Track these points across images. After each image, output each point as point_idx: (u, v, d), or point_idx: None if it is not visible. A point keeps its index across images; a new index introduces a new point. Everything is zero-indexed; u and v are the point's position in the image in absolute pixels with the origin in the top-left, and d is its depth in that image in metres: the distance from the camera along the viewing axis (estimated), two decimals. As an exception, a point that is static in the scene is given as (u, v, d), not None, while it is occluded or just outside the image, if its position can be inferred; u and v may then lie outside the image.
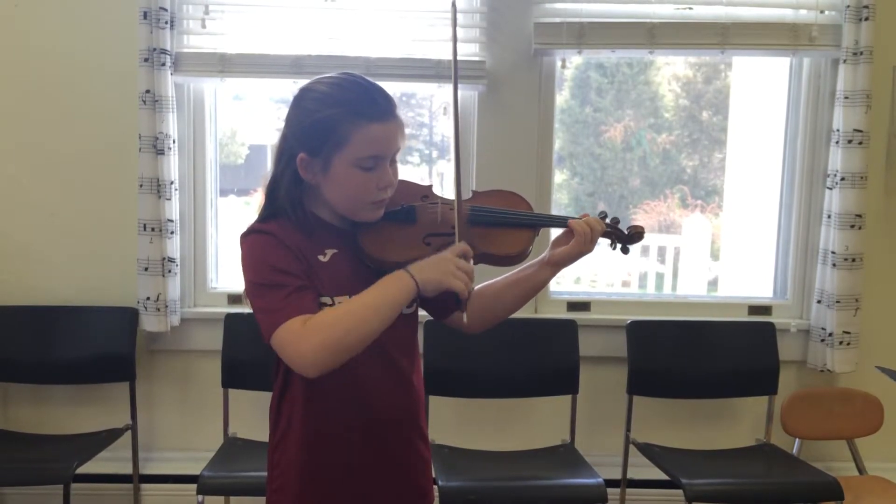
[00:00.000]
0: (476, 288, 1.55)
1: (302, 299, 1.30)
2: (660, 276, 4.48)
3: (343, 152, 1.32)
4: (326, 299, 1.35)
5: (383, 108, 1.34)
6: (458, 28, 2.75)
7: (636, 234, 1.53)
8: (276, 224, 1.36)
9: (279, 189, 1.37)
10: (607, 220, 1.51)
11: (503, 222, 1.46)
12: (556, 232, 1.55)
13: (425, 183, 1.51)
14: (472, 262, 1.34)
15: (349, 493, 1.42)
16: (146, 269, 2.67)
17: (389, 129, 1.34)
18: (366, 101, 1.33)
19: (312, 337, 1.25)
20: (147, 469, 2.84)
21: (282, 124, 1.40)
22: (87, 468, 2.49)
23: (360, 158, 1.32)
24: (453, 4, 1.55)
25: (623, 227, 1.54)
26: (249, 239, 1.36)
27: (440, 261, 1.30)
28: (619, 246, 1.53)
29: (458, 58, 2.74)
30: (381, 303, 1.28)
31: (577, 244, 1.45)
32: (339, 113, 1.31)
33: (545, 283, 1.51)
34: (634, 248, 1.56)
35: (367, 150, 1.32)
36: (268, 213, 1.39)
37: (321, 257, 1.36)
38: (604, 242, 1.54)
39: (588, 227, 1.44)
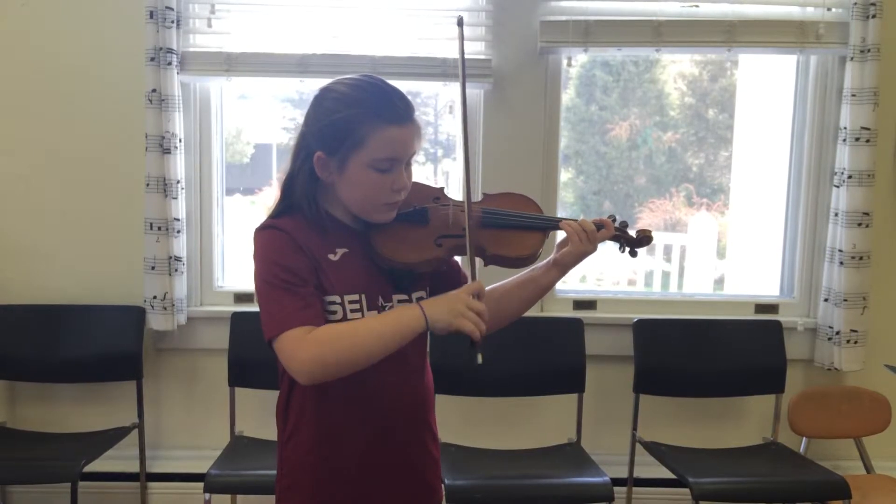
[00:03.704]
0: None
1: (307, 308, 1.31)
2: (666, 275, 4.47)
3: (360, 153, 1.33)
4: (335, 297, 1.36)
5: (402, 111, 1.35)
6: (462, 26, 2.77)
7: (644, 238, 1.56)
8: (290, 220, 1.37)
9: (295, 185, 1.39)
10: (616, 224, 1.53)
11: (514, 224, 1.48)
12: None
13: (435, 184, 1.53)
14: (483, 301, 1.33)
15: (359, 491, 1.42)
16: (153, 267, 2.67)
17: (406, 133, 1.36)
18: (385, 103, 1.34)
19: (312, 348, 1.28)
20: (154, 467, 2.84)
21: (291, 123, 1.42)
22: (95, 466, 2.50)
23: (376, 160, 1.34)
24: (460, 24, 1.48)
25: (631, 230, 1.55)
26: (264, 234, 1.37)
27: (453, 300, 1.30)
28: (627, 249, 1.56)
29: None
30: (387, 332, 1.30)
31: (573, 245, 1.48)
32: (358, 114, 1.33)
33: (552, 284, 1.54)
34: (641, 250, 1.58)
35: (383, 152, 1.34)
36: (282, 208, 1.40)
37: (331, 256, 1.38)
38: (612, 245, 1.56)
39: (579, 227, 1.47)
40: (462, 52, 1.44)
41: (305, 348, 1.28)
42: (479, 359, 1.30)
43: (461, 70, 1.43)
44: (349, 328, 1.31)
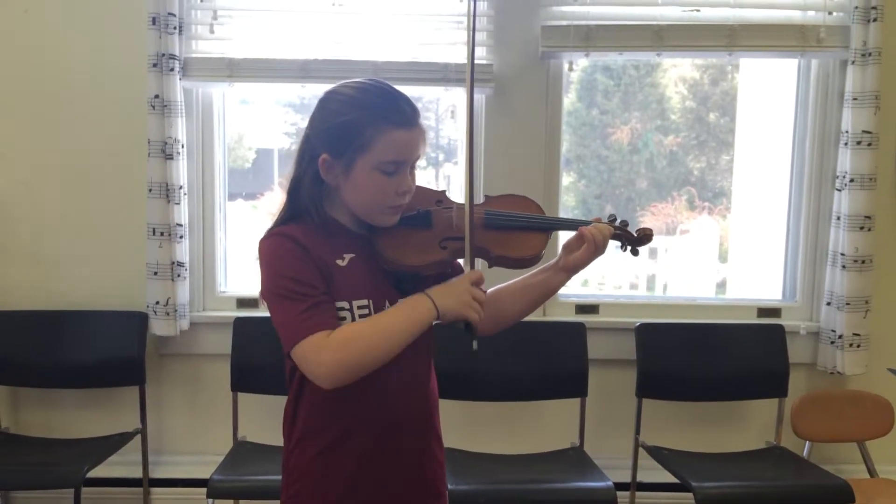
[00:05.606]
0: (489, 291, 1.57)
1: (321, 314, 1.31)
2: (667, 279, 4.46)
3: (366, 155, 1.33)
4: (344, 303, 1.36)
5: (408, 114, 1.35)
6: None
7: (645, 237, 1.58)
8: (297, 227, 1.37)
9: (301, 189, 1.38)
10: (616, 223, 1.55)
11: (517, 226, 1.48)
12: (565, 234, 1.56)
13: (436, 188, 1.53)
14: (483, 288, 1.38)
15: (367, 496, 1.41)
16: (155, 273, 2.68)
17: (412, 136, 1.36)
18: (391, 106, 1.35)
19: (333, 353, 1.28)
20: (157, 473, 2.84)
21: (293, 128, 1.42)
22: (97, 472, 2.50)
23: (382, 162, 1.34)
24: (472, 12, 1.45)
25: (632, 229, 1.56)
26: (270, 241, 1.37)
27: (461, 291, 1.35)
28: (628, 248, 1.57)
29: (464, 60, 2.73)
30: (403, 326, 1.32)
31: (587, 251, 1.49)
32: (365, 116, 1.33)
33: (558, 288, 1.54)
34: (643, 250, 1.60)
35: (389, 155, 1.34)
36: (289, 214, 1.40)
37: (339, 261, 1.37)
38: (613, 244, 1.57)
39: (600, 235, 1.48)
40: (472, 25, 1.42)
41: (328, 352, 1.28)
42: (475, 345, 1.37)
43: (469, 50, 1.40)
44: (367, 327, 1.33)
